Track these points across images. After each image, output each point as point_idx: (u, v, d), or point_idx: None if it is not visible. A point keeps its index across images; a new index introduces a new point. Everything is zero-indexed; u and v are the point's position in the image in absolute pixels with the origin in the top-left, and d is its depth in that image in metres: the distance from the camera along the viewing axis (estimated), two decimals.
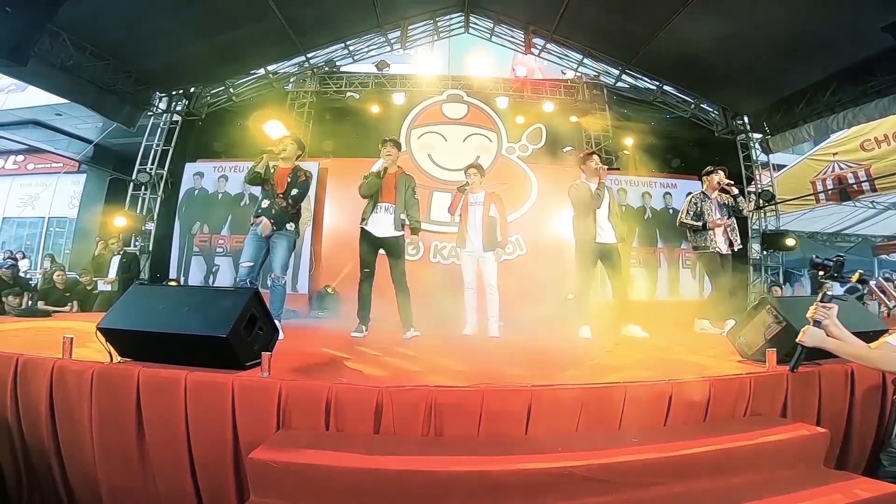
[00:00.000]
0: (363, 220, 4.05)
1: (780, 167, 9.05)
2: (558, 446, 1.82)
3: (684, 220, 4.68)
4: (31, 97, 9.97)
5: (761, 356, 2.46)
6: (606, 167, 4.30)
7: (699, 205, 4.62)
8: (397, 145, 4.17)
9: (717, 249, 4.54)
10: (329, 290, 6.97)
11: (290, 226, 3.80)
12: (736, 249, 4.64)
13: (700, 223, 4.56)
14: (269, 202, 3.76)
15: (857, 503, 1.59)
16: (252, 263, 3.70)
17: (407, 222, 4.09)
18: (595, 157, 4.35)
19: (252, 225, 3.79)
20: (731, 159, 8.34)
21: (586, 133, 8.67)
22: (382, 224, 4.00)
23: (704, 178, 4.82)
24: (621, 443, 1.87)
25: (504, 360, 3.03)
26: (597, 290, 4.70)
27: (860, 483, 1.74)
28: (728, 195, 4.63)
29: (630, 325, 4.19)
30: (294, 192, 3.79)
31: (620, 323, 4.23)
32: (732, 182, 4.64)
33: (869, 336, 2.69)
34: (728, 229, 4.60)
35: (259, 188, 3.89)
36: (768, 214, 8.24)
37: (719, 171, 4.67)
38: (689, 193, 4.87)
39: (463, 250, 4.42)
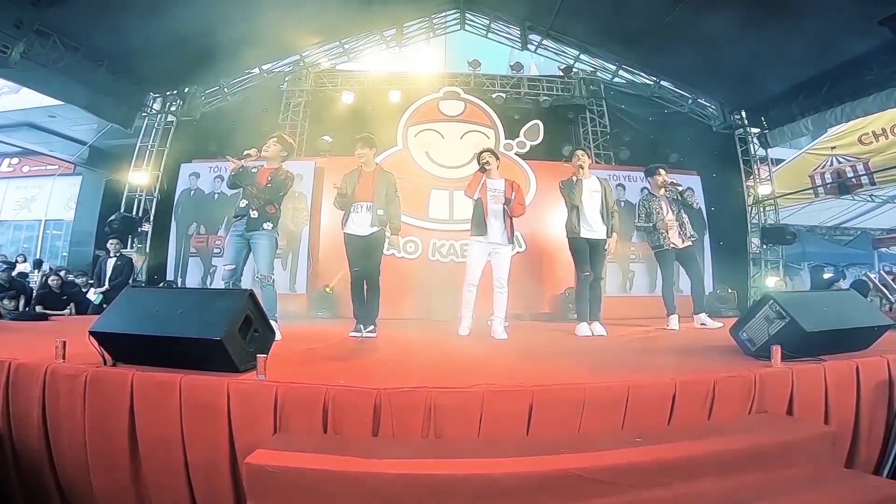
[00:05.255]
0: (343, 223, 4.05)
1: (778, 161, 9.01)
2: (560, 447, 1.78)
3: (637, 224, 4.95)
4: (25, 99, 9.93)
5: (765, 352, 2.43)
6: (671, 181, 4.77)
7: (648, 205, 4.82)
8: (368, 143, 4.09)
9: (673, 246, 4.72)
10: (327, 289, 6.93)
11: (268, 225, 3.73)
12: (692, 242, 4.81)
13: (651, 224, 4.77)
14: (247, 202, 3.73)
15: (867, 502, 1.56)
16: (234, 265, 3.71)
17: (386, 220, 4.00)
18: (662, 171, 4.77)
19: (232, 226, 3.78)
20: (730, 154, 8.33)
21: (584, 129, 8.64)
22: (362, 223, 3.96)
23: (649, 178, 5.02)
24: (624, 443, 1.83)
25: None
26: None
27: (869, 482, 1.71)
28: (675, 191, 4.78)
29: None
30: (269, 187, 3.74)
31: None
32: (675, 181, 4.85)
33: (873, 331, 2.68)
34: (679, 225, 4.75)
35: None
36: (767, 209, 8.22)
37: (660, 171, 4.85)
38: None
39: (478, 240, 4.11)
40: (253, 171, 3.80)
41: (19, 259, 10.01)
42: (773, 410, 2.17)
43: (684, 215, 4.79)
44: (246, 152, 3.72)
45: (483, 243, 4.11)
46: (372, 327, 3.97)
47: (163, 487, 1.99)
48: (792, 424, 2.05)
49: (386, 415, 1.90)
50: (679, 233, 4.74)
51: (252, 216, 3.68)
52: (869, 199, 9.60)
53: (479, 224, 4.09)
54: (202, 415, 1.95)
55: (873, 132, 7.89)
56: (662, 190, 4.81)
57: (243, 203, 3.73)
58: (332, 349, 3.42)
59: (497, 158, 4.24)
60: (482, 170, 4.13)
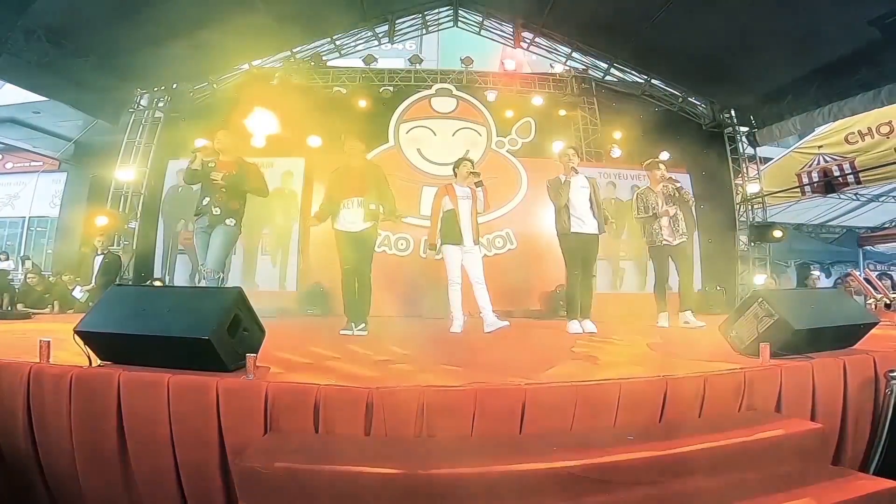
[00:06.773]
0: (333, 221, 4.06)
1: (766, 160, 9.12)
2: (553, 445, 1.78)
3: (637, 217, 5.03)
4: (8, 95, 9.74)
5: (754, 350, 2.45)
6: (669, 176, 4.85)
7: (645, 199, 4.93)
8: (360, 138, 4.15)
9: (666, 242, 4.82)
10: (319, 286, 6.89)
11: (230, 221, 3.74)
12: (684, 238, 4.92)
13: (650, 214, 4.87)
14: (209, 199, 3.71)
15: (854, 499, 1.57)
16: None
17: (381, 213, 4.02)
18: (661, 166, 4.85)
19: (196, 223, 3.79)
20: (719, 152, 8.40)
21: (575, 126, 8.66)
22: (354, 219, 3.95)
23: (647, 172, 5.14)
24: (617, 441, 1.83)
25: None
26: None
27: (856, 479, 1.72)
28: (672, 186, 4.87)
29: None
30: (237, 180, 3.77)
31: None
32: (673, 178, 4.95)
33: (860, 329, 2.71)
34: (672, 220, 4.85)
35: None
36: (755, 207, 8.30)
37: (660, 166, 4.97)
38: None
39: (453, 246, 4.28)
40: (211, 166, 3.78)
41: (2, 257, 9.82)
42: (762, 408, 2.19)
43: (679, 211, 4.88)
44: (203, 144, 3.77)
45: (456, 248, 4.28)
46: (363, 325, 3.96)
47: (153, 488, 1.95)
48: (780, 422, 2.07)
49: (378, 414, 1.88)
50: (672, 229, 4.83)
51: (214, 213, 3.69)
52: (854, 197, 9.75)
53: (454, 233, 4.25)
54: (191, 415, 1.92)
55: (859, 132, 7.98)
56: (660, 185, 4.88)
57: (206, 201, 3.73)
58: (322, 347, 3.39)
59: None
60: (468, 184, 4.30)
